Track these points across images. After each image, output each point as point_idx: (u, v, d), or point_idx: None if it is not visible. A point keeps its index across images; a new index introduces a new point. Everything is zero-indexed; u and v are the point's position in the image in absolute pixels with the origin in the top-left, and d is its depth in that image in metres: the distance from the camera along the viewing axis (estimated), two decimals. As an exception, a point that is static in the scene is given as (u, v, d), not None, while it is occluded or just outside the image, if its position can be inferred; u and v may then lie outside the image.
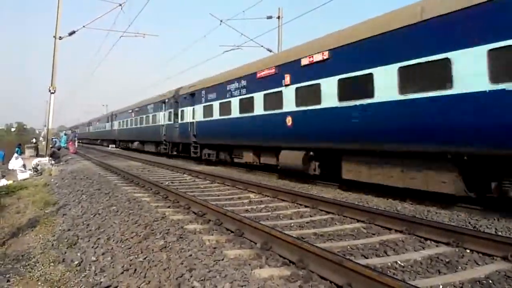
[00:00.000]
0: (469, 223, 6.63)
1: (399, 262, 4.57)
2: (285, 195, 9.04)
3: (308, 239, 5.54)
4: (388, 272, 4.26)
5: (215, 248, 5.04)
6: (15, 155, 23.06)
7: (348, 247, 5.24)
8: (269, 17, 23.82)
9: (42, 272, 5.04)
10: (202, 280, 3.95)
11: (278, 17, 23.69)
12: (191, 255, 4.74)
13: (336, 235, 5.92)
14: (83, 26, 23.15)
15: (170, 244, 5.26)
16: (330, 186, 11.13)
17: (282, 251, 4.75)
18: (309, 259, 4.29)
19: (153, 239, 5.57)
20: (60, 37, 22.69)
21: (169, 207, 8.09)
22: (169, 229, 6.00)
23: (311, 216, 7.22)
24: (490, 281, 4.02)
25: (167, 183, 11.81)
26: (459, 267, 4.46)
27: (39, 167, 19.70)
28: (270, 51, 23.40)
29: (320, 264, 4.14)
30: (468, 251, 5.02)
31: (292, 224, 6.58)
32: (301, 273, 4.11)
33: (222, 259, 4.58)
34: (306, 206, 8.05)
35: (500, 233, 5.89)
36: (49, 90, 22.50)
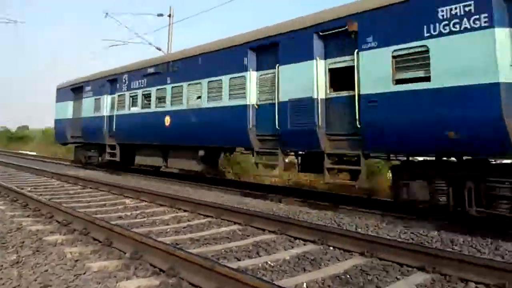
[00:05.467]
0: (335, 221, 7.20)
1: (269, 263, 4.70)
2: (164, 199, 8.71)
3: (183, 245, 5.38)
4: (259, 273, 4.34)
5: (77, 261, 4.56)
6: None
7: (223, 250, 5.22)
8: (160, 15, 23.06)
9: None
10: (56, 298, 3.50)
11: (169, 15, 23.04)
12: (47, 270, 4.22)
13: (212, 238, 5.87)
14: None
15: (24, 258, 4.64)
16: (213, 189, 11.11)
17: (153, 260, 4.49)
18: (181, 266, 4.13)
19: (4, 253, 4.86)
20: None
21: (28, 216, 7.12)
22: (24, 242, 5.31)
23: (189, 221, 7.05)
24: (348, 276, 4.35)
25: (29, 189, 10.42)
26: (323, 264, 4.76)
27: None
28: (159, 49, 22.62)
29: (191, 270, 4.02)
30: (331, 248, 5.39)
31: (168, 230, 6.34)
32: (171, 282, 3.94)
33: (84, 273, 4.16)
34: (185, 211, 7.86)
35: (359, 230, 6.50)
36: None
